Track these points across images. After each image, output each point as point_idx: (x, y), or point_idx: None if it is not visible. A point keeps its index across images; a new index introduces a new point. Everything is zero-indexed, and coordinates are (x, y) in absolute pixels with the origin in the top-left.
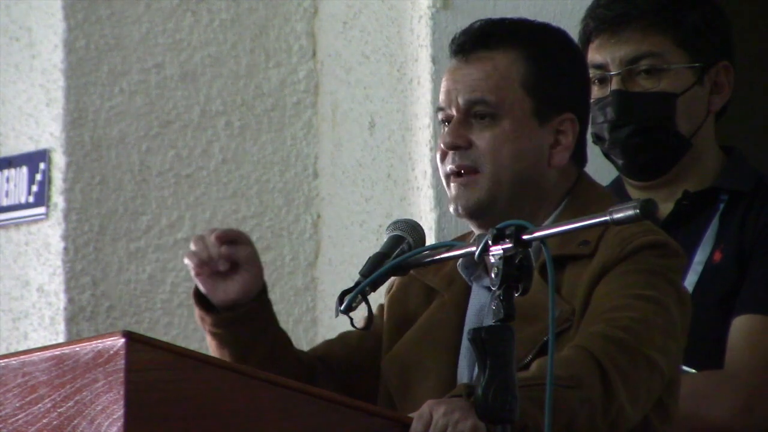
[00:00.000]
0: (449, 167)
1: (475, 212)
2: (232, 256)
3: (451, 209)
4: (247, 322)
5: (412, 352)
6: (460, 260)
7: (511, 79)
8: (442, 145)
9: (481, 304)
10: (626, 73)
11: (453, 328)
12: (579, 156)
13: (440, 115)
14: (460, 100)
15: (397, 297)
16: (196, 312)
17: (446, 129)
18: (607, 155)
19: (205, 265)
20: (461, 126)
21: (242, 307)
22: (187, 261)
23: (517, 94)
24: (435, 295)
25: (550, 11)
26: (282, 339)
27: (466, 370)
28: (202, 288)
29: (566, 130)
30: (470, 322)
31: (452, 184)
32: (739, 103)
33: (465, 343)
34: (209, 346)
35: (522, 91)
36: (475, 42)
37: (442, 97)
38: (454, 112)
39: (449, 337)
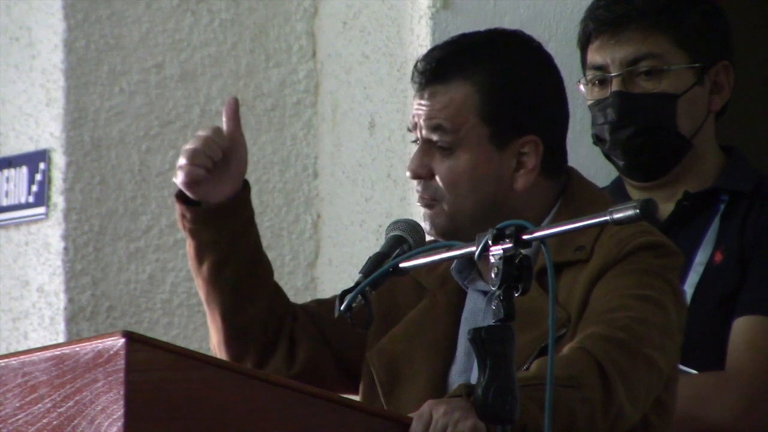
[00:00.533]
0: (416, 189)
1: (442, 236)
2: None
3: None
4: (230, 218)
5: (402, 349)
6: (454, 264)
7: (467, 108)
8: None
9: (476, 308)
10: (626, 75)
11: (446, 330)
12: (552, 168)
13: (412, 135)
14: (423, 129)
15: (386, 290)
16: (177, 209)
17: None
18: (607, 156)
19: (208, 159)
20: (424, 155)
21: (227, 201)
22: (189, 150)
23: (472, 123)
24: (425, 293)
25: (550, 12)
26: (266, 260)
27: (461, 375)
28: (192, 177)
29: (529, 152)
30: (466, 326)
31: (421, 207)
32: (739, 103)
33: (460, 347)
34: (188, 256)
35: (478, 119)
36: (431, 76)
37: (411, 117)
38: (419, 136)
39: (441, 340)
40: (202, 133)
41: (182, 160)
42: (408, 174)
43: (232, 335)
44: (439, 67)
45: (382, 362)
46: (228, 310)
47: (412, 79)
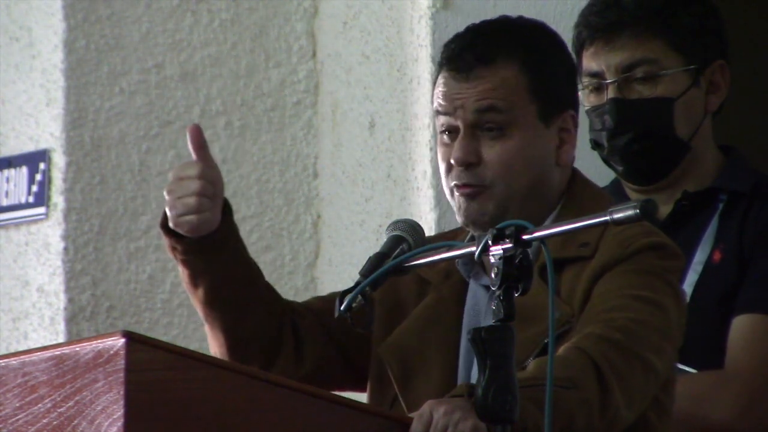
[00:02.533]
0: (454, 183)
1: (485, 225)
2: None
3: (459, 220)
4: (221, 245)
5: (413, 343)
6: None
7: (519, 88)
8: (451, 160)
9: (477, 303)
10: (622, 81)
11: (453, 324)
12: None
13: (441, 120)
14: (469, 111)
15: (388, 284)
16: (167, 242)
17: (456, 142)
18: (606, 161)
19: (207, 201)
20: (470, 140)
21: (216, 230)
22: (179, 203)
23: (524, 101)
24: (428, 288)
25: (550, 11)
26: (255, 267)
27: (463, 370)
28: (185, 226)
29: (569, 127)
30: (467, 320)
31: (457, 195)
32: (737, 102)
33: (463, 342)
34: (183, 283)
35: (528, 97)
36: (474, 58)
37: (442, 103)
38: (459, 123)
39: (450, 333)
40: (183, 174)
41: (180, 209)
42: (454, 163)
43: (234, 346)
44: (482, 50)
45: (395, 357)
46: (229, 326)
47: (446, 67)
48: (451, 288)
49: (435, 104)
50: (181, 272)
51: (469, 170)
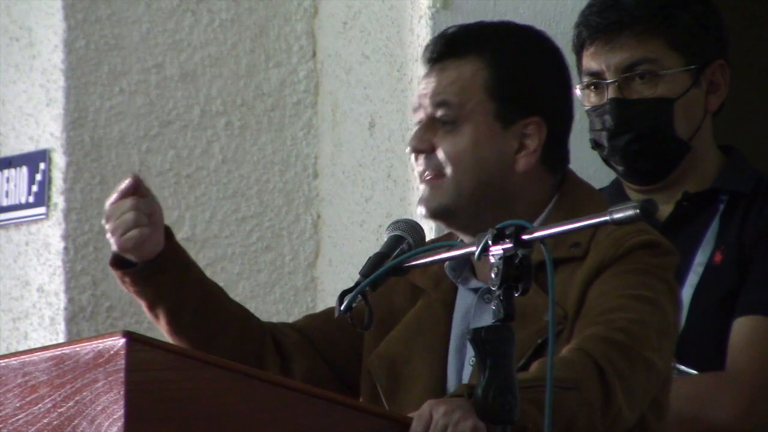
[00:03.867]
0: (417, 169)
1: (438, 215)
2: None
3: (418, 211)
4: (166, 270)
5: (401, 351)
6: (448, 261)
7: (475, 83)
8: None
9: (467, 306)
10: (622, 81)
11: (441, 329)
12: (553, 159)
13: (415, 119)
14: (427, 105)
15: (380, 293)
16: (117, 276)
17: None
18: (606, 161)
19: (137, 222)
20: (427, 130)
21: (157, 256)
22: (119, 222)
23: (479, 98)
24: (421, 294)
25: (550, 12)
26: (217, 290)
27: (453, 374)
28: (129, 243)
29: (531, 133)
30: (457, 324)
31: (422, 185)
32: (737, 102)
33: (453, 346)
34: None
35: (484, 95)
36: (443, 50)
37: (414, 101)
38: (423, 115)
39: (438, 338)
40: (117, 210)
41: (121, 228)
42: (408, 150)
43: None
44: (453, 42)
45: (382, 366)
46: (200, 349)
47: (423, 59)
48: (441, 294)
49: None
50: (143, 306)
51: (425, 158)
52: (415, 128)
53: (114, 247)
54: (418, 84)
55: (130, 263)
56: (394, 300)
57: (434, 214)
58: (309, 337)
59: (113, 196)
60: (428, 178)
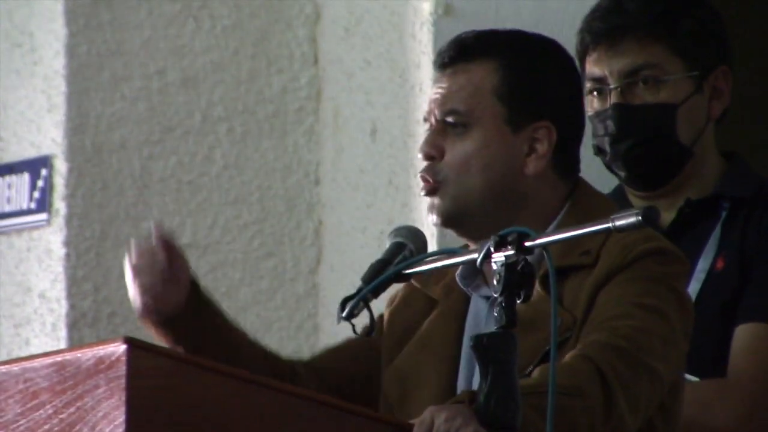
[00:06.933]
0: (421, 181)
1: (447, 222)
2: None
3: (430, 220)
4: (185, 328)
5: (411, 362)
6: (459, 270)
7: (484, 88)
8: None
9: (479, 314)
10: (625, 86)
11: (451, 337)
12: (564, 165)
13: (426, 126)
14: (437, 111)
15: (399, 310)
16: (157, 334)
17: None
18: (608, 167)
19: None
20: (438, 135)
21: (179, 313)
22: (137, 278)
23: (488, 102)
24: (436, 306)
25: (552, 17)
26: (238, 335)
27: (464, 382)
28: (148, 299)
29: (541, 138)
30: (469, 332)
31: (425, 195)
32: (740, 107)
33: (464, 353)
34: None
35: (494, 99)
36: (454, 55)
37: (428, 107)
38: (433, 122)
39: (448, 347)
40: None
41: (132, 290)
42: (420, 156)
43: None
44: (464, 47)
45: (394, 380)
46: None
47: (435, 63)
48: (452, 303)
49: None
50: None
51: (430, 165)
52: (426, 134)
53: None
54: (431, 88)
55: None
56: (411, 316)
57: (443, 221)
58: (323, 375)
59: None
60: (428, 186)
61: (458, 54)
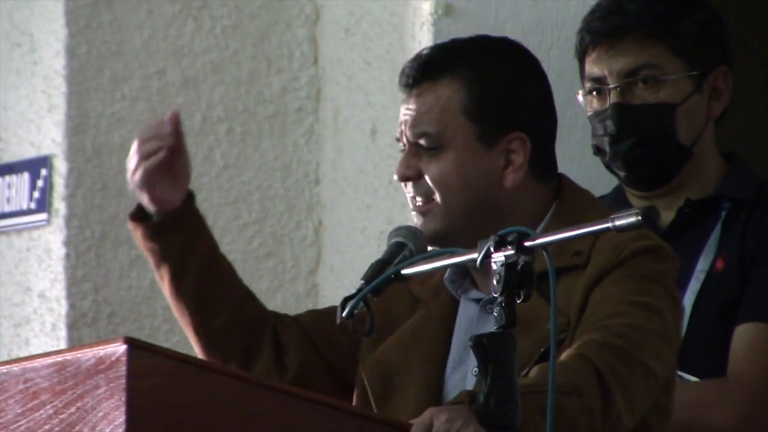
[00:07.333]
0: (408, 196)
1: (434, 241)
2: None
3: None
4: (176, 229)
5: (395, 359)
6: (447, 274)
7: (452, 108)
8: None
9: (471, 317)
10: (624, 86)
11: (439, 341)
12: (542, 169)
13: (399, 145)
14: (408, 133)
15: (379, 302)
16: (132, 229)
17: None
18: (608, 167)
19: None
20: (412, 156)
21: (171, 213)
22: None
23: (458, 122)
24: (419, 305)
25: (552, 18)
26: (226, 266)
27: (453, 384)
28: (146, 182)
29: (516, 149)
30: (458, 335)
31: (413, 212)
32: (740, 108)
33: (453, 357)
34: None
35: (463, 118)
36: (418, 75)
37: (398, 127)
38: (405, 142)
39: (435, 351)
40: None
41: (133, 160)
42: (395, 177)
43: (205, 345)
44: (426, 67)
45: (375, 373)
46: (195, 322)
47: (400, 82)
48: (440, 305)
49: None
50: (151, 264)
51: (416, 185)
52: (400, 155)
53: (130, 185)
54: (400, 108)
55: (148, 217)
56: (392, 308)
57: (431, 240)
58: (309, 332)
59: (145, 131)
60: (419, 205)
61: (422, 74)
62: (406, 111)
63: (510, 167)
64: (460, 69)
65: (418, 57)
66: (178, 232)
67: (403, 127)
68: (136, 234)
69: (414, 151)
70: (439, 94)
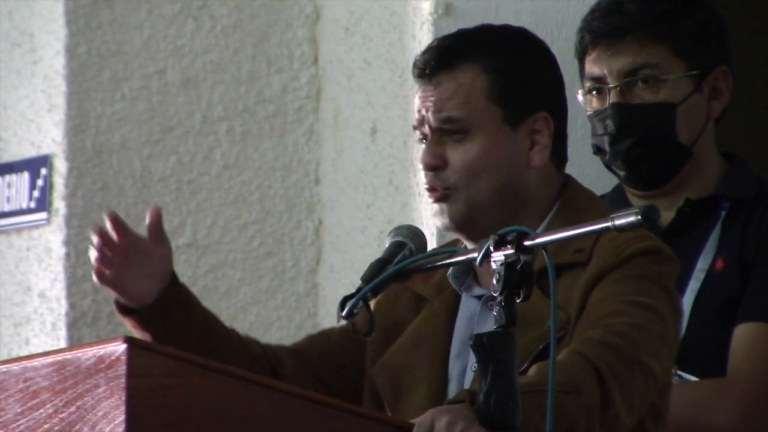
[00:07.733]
0: (425, 186)
1: (459, 226)
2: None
3: (436, 224)
4: (161, 317)
5: (403, 360)
6: (451, 269)
7: (476, 92)
8: (420, 165)
9: (471, 313)
10: (624, 85)
11: (443, 337)
12: (560, 154)
13: (417, 134)
14: (431, 121)
15: (384, 304)
16: (120, 317)
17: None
18: (608, 167)
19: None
20: (436, 145)
21: (153, 302)
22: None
23: (483, 106)
24: (424, 304)
25: (552, 17)
26: (214, 321)
27: (455, 380)
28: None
29: (541, 129)
30: (460, 331)
31: (431, 200)
32: (740, 108)
33: (453, 352)
34: None
35: (488, 101)
36: (436, 63)
37: (415, 116)
38: (427, 131)
39: (440, 346)
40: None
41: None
42: (422, 167)
43: None
44: (443, 56)
45: (385, 377)
46: None
47: (414, 75)
48: (443, 302)
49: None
50: None
51: (436, 174)
52: (423, 144)
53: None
54: (415, 99)
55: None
56: (398, 311)
57: (455, 223)
58: (308, 362)
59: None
60: (437, 194)
61: (440, 62)
62: (427, 98)
63: (536, 147)
64: (475, 55)
65: (431, 48)
66: (166, 317)
67: (424, 113)
68: (126, 324)
69: (437, 138)
70: (460, 81)
